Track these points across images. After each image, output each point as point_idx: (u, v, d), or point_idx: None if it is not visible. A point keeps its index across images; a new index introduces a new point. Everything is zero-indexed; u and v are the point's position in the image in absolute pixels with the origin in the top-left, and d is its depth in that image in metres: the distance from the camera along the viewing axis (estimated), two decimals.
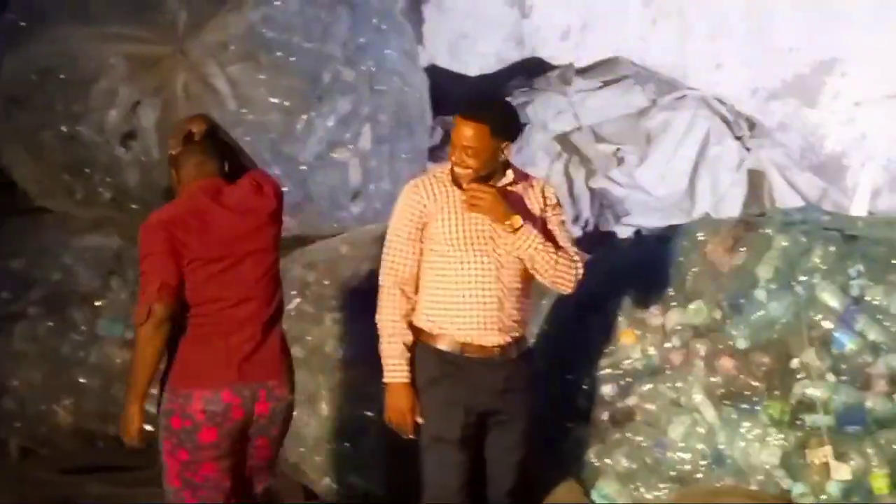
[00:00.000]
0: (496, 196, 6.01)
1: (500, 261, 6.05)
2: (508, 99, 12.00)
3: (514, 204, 6.12)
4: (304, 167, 9.31)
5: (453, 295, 6.07)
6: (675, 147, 12.05)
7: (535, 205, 6.25)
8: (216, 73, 9.19)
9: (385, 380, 6.15)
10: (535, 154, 11.97)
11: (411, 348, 6.13)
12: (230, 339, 6.06)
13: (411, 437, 6.14)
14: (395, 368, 6.13)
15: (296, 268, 8.49)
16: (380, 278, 6.26)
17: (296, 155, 9.27)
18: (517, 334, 6.17)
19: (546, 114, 12.17)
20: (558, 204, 6.35)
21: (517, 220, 6.00)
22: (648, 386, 7.08)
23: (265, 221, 6.21)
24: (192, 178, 6.16)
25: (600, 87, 12.31)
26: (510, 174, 6.22)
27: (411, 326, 6.16)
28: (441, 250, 6.09)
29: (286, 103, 9.23)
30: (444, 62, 12.56)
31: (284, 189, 8.70)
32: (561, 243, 6.17)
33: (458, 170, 6.09)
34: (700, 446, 6.87)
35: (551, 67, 12.52)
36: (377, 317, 6.22)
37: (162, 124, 9.21)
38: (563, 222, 6.33)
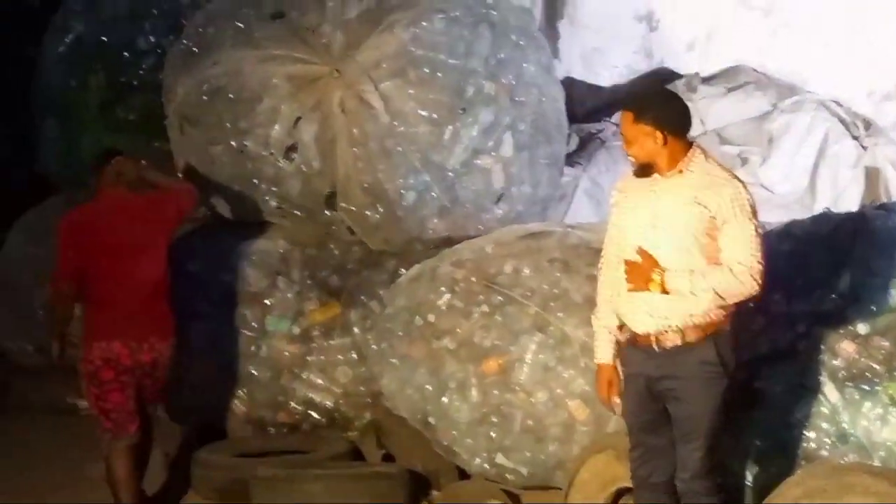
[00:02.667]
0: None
1: None
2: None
3: (667, 193, 6.12)
4: (451, 173, 9.33)
5: None
6: (796, 147, 11.87)
7: (708, 202, 6.12)
8: (370, 90, 9.24)
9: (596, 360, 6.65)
10: None
11: None
12: (121, 306, 8.13)
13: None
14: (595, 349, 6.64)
15: (445, 266, 8.50)
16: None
17: (443, 163, 9.29)
18: None
19: None
20: (740, 210, 6.14)
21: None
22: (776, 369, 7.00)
23: (156, 225, 8.41)
24: (107, 186, 8.38)
25: (724, 94, 12.17)
26: (684, 165, 6.17)
27: None
28: None
29: (434, 115, 9.25)
30: (579, 74, 12.48)
31: (433, 194, 8.90)
32: (722, 254, 6.10)
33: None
34: (825, 425, 6.79)
35: (678, 76, 12.40)
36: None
37: (321, 138, 9.31)
38: (739, 229, 6.12)
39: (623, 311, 6.42)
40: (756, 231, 6.06)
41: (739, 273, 5.99)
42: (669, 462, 6.29)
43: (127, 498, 8.14)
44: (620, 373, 6.52)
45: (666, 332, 6.19)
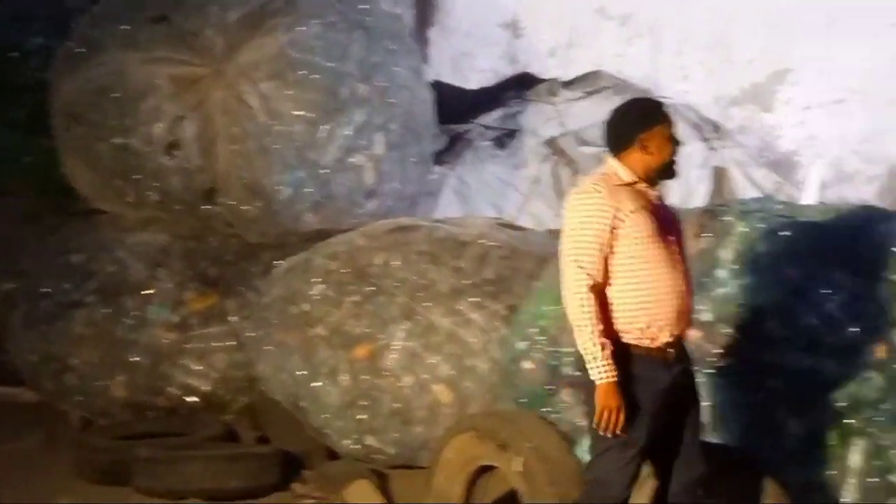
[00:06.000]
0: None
1: None
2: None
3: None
4: (325, 170, 9.32)
5: None
6: None
7: None
8: (249, 91, 9.22)
9: (599, 381, 5.42)
10: (526, 157, 11.96)
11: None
12: None
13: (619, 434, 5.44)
14: (607, 368, 5.39)
15: (318, 258, 8.46)
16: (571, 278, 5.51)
17: (318, 160, 9.29)
18: None
19: (536, 121, 12.15)
20: None
21: None
22: None
23: None
24: None
25: (583, 98, 12.28)
26: None
27: None
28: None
29: (310, 115, 9.25)
30: (448, 77, 12.53)
31: (308, 189, 8.90)
32: None
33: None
34: None
35: (540, 81, 12.49)
36: (582, 317, 5.43)
37: (202, 136, 9.26)
38: None
39: (661, 316, 5.59)
40: None
41: None
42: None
43: None
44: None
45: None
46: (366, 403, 7.87)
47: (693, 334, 6.85)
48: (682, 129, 12.01)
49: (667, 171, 5.66)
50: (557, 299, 7.28)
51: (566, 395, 7.07)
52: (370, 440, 7.89)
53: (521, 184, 11.90)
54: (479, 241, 8.24)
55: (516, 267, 8.09)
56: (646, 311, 5.53)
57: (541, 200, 11.93)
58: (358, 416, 7.88)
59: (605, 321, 5.46)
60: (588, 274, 5.43)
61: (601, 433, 5.45)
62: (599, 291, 5.47)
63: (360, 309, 8.05)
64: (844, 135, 12.81)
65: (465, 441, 7.05)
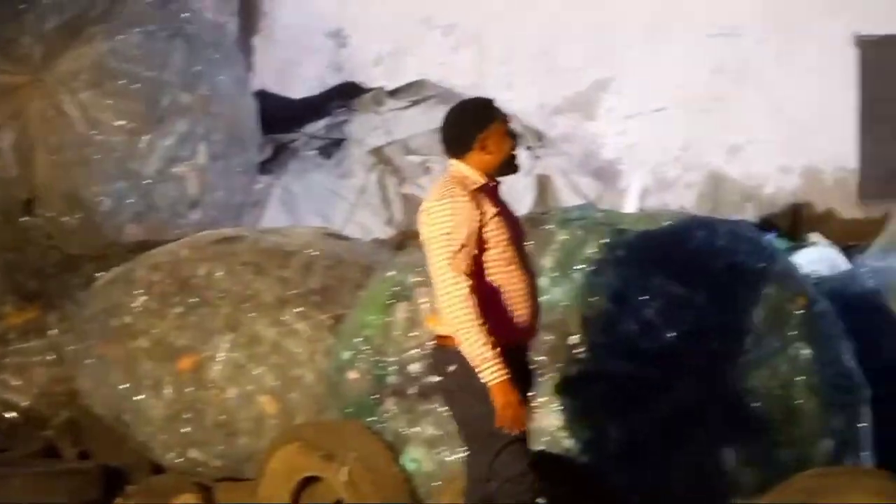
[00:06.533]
0: None
1: None
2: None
3: None
4: (147, 181, 9.27)
5: None
6: None
7: None
8: (68, 100, 9.12)
9: (494, 380, 5.39)
10: (352, 166, 11.99)
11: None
12: None
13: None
14: (499, 367, 5.38)
15: (141, 269, 8.37)
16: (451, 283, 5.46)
17: (140, 170, 9.24)
18: None
19: (362, 130, 12.18)
20: None
21: None
22: None
23: None
24: None
25: (408, 107, 12.35)
26: None
27: None
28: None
29: (130, 125, 9.18)
30: (273, 86, 12.50)
31: (130, 200, 8.82)
32: None
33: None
34: None
35: (366, 90, 12.54)
36: (466, 321, 5.39)
37: (19, 145, 9.14)
38: None
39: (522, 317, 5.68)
40: None
41: None
42: None
43: None
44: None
45: None
46: (190, 416, 7.80)
47: None
48: None
49: (509, 166, 5.67)
50: (383, 308, 7.35)
51: (391, 404, 7.10)
52: (194, 453, 7.82)
53: (348, 193, 11.92)
54: (305, 251, 8.22)
55: (342, 276, 8.10)
56: (509, 313, 5.57)
57: (367, 210, 11.95)
58: (182, 429, 7.81)
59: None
60: (467, 277, 5.44)
61: (506, 431, 5.43)
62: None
63: (184, 321, 7.98)
64: (665, 143, 13.08)
65: (290, 452, 7.05)
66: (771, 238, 11.03)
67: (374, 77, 12.77)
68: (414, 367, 7.10)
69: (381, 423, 7.07)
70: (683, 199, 13.02)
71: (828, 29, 12.91)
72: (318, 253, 8.21)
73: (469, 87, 12.83)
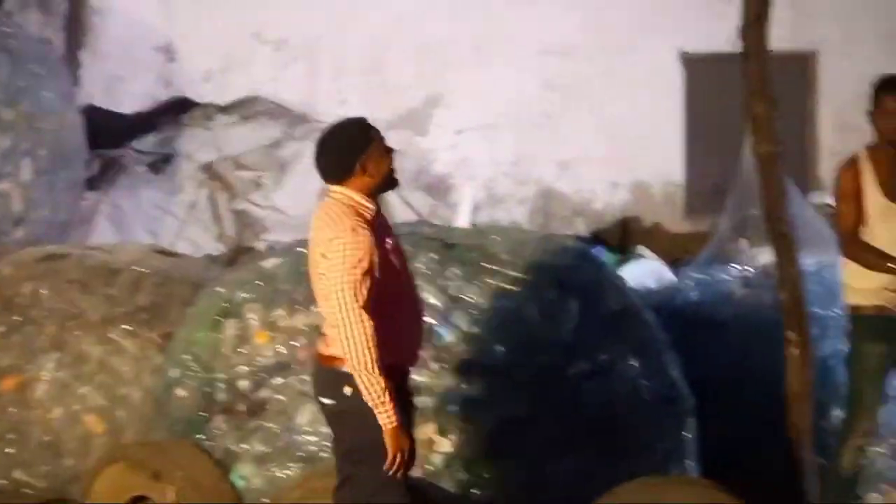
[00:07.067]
0: None
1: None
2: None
3: None
4: None
5: None
6: (306, 173, 12.09)
7: None
8: None
9: (391, 424, 5.35)
10: (182, 182, 11.89)
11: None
12: None
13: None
14: (394, 411, 5.35)
15: None
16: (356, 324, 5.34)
17: None
18: None
19: (192, 146, 12.11)
20: None
21: None
22: (279, 380, 7.05)
23: None
24: None
25: (239, 122, 12.31)
26: None
27: None
28: None
29: None
30: (101, 101, 12.33)
31: None
32: None
33: None
34: (325, 430, 6.88)
35: (196, 105, 12.44)
36: (369, 362, 5.30)
37: None
38: None
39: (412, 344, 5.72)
40: None
41: None
42: None
43: None
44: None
45: None
46: (14, 437, 7.66)
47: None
48: None
49: (389, 183, 5.59)
50: (212, 325, 7.29)
51: (220, 422, 7.05)
52: (19, 474, 7.67)
53: (178, 209, 11.83)
54: (132, 268, 8.14)
55: (170, 294, 8.03)
56: (400, 339, 5.52)
57: (198, 226, 11.87)
58: (6, 450, 7.66)
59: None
60: (368, 315, 5.34)
61: (390, 474, 5.39)
62: None
63: (7, 340, 7.85)
64: (496, 158, 13.20)
65: (116, 472, 6.96)
66: (600, 252, 11.29)
67: (205, 92, 12.68)
68: (243, 384, 7.07)
69: (210, 440, 7.02)
70: (515, 214, 13.16)
71: (655, 46, 13.15)
72: (145, 270, 8.13)
73: (300, 102, 12.84)
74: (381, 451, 5.40)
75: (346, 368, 5.40)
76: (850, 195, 6.75)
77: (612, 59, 13.18)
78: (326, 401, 5.59)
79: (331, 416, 5.64)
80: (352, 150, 5.48)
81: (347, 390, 5.44)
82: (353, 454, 5.55)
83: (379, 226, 5.49)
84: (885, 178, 6.75)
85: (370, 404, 5.35)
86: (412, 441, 5.47)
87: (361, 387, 5.33)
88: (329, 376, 5.54)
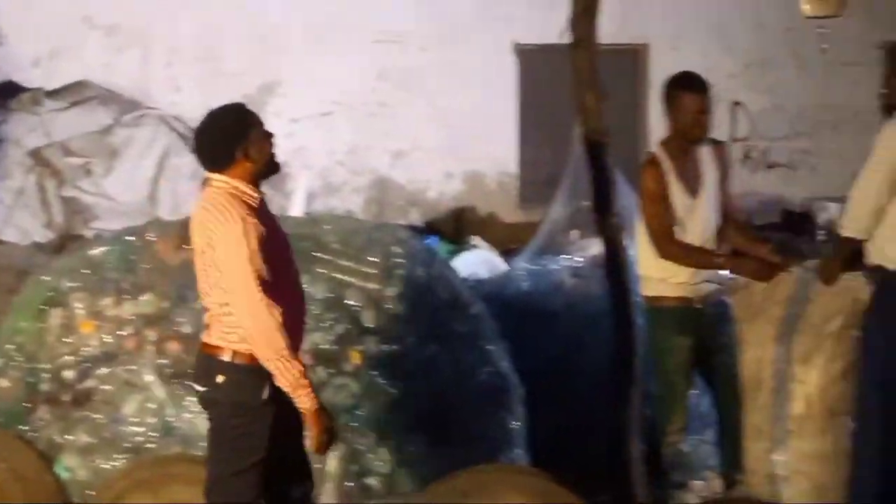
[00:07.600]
0: None
1: None
2: None
3: None
4: None
5: None
6: (138, 159, 12.01)
7: None
8: None
9: (314, 406, 5.30)
10: (10, 168, 11.66)
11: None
12: None
13: None
14: (312, 390, 5.33)
15: None
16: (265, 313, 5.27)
17: None
18: None
19: (19, 131, 11.87)
20: None
21: None
22: (105, 369, 6.95)
23: None
24: None
25: (68, 108, 12.09)
26: None
27: None
28: None
29: None
30: None
31: None
32: None
33: None
34: (151, 420, 6.83)
35: (24, 90, 12.20)
36: (283, 349, 5.26)
37: None
38: None
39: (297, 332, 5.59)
40: None
41: None
42: None
43: None
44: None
45: None
46: None
47: (173, 347, 6.88)
48: (171, 141, 12.08)
49: (272, 167, 5.50)
50: (35, 315, 7.17)
51: (44, 412, 6.95)
52: None
53: (5, 195, 11.59)
54: None
55: None
56: (293, 328, 5.42)
57: (26, 212, 11.65)
58: None
59: None
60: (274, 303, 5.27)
61: (318, 455, 5.42)
62: None
63: None
64: (331, 146, 13.15)
65: None
66: (433, 242, 11.32)
67: (34, 77, 12.43)
68: (68, 374, 6.98)
69: (34, 431, 6.91)
70: (350, 203, 13.13)
71: (489, 37, 13.22)
72: None
73: (133, 88, 12.66)
74: (241, 443, 5.37)
75: (223, 357, 5.38)
76: (658, 196, 6.69)
77: (447, 49, 13.21)
78: (200, 388, 5.53)
79: (204, 403, 5.58)
80: (233, 137, 5.38)
81: (220, 378, 5.40)
82: (217, 441, 5.49)
83: (264, 213, 5.44)
84: (686, 176, 6.77)
85: (288, 391, 5.30)
86: (333, 419, 5.42)
87: (277, 374, 5.28)
88: (205, 364, 5.49)
